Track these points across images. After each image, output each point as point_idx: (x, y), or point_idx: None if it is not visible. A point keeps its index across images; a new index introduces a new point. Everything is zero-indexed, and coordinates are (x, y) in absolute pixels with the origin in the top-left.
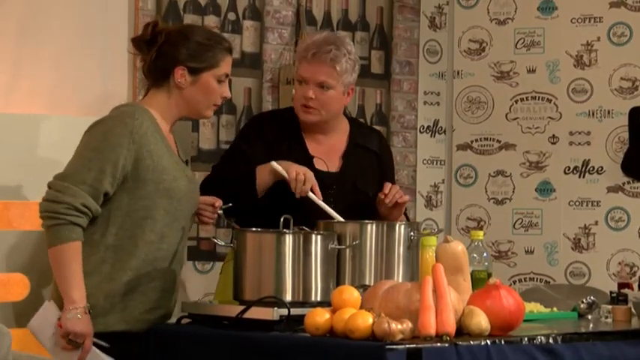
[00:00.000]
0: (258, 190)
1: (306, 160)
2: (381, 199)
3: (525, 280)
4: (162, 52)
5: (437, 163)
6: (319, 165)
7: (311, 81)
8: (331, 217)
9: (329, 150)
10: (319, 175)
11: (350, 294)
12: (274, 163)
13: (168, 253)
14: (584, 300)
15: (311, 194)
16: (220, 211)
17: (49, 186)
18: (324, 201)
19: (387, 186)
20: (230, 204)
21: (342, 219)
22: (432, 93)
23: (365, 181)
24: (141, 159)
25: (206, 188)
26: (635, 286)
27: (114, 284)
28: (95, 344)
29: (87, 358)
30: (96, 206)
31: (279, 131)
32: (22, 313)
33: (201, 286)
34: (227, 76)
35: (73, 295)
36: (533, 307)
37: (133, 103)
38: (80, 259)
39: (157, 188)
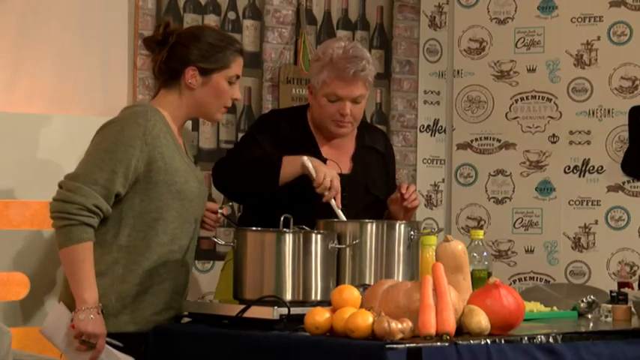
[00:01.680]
0: (281, 180)
1: None
2: (397, 199)
3: (525, 279)
4: (173, 52)
5: (437, 163)
6: (332, 167)
7: (347, 98)
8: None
9: (340, 152)
10: None
11: (350, 293)
12: (306, 160)
13: (179, 254)
14: (584, 299)
15: (332, 201)
16: (220, 210)
17: (60, 186)
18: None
19: (404, 186)
20: (231, 203)
21: None
22: (432, 92)
23: (375, 183)
24: (153, 161)
25: (221, 170)
26: (635, 285)
27: (126, 285)
28: (108, 344)
29: (102, 358)
30: (107, 207)
31: (293, 131)
32: (22, 312)
33: (201, 285)
34: (238, 77)
35: (84, 296)
36: (533, 307)
37: (144, 103)
38: (92, 260)
39: (168, 190)
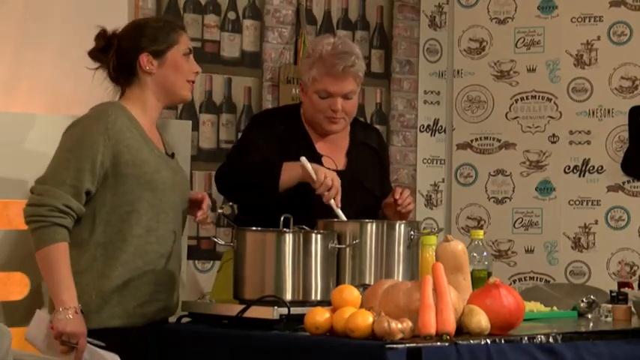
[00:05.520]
0: (281, 186)
1: (315, 159)
2: (391, 203)
3: (525, 279)
4: (122, 50)
5: (437, 162)
6: (328, 163)
7: (337, 94)
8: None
9: (334, 148)
10: None
11: (350, 293)
12: (305, 161)
13: (158, 246)
14: (584, 299)
15: (331, 201)
16: (220, 210)
17: (31, 191)
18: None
19: (398, 191)
20: (231, 203)
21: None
22: (432, 92)
23: (370, 179)
24: (119, 154)
25: (223, 177)
26: (635, 285)
27: (105, 280)
28: (90, 344)
29: (85, 357)
30: (79, 205)
31: (287, 129)
32: (22, 312)
33: (201, 285)
34: (190, 51)
35: (62, 296)
36: (533, 307)
37: (107, 101)
38: (67, 260)
39: (138, 182)
